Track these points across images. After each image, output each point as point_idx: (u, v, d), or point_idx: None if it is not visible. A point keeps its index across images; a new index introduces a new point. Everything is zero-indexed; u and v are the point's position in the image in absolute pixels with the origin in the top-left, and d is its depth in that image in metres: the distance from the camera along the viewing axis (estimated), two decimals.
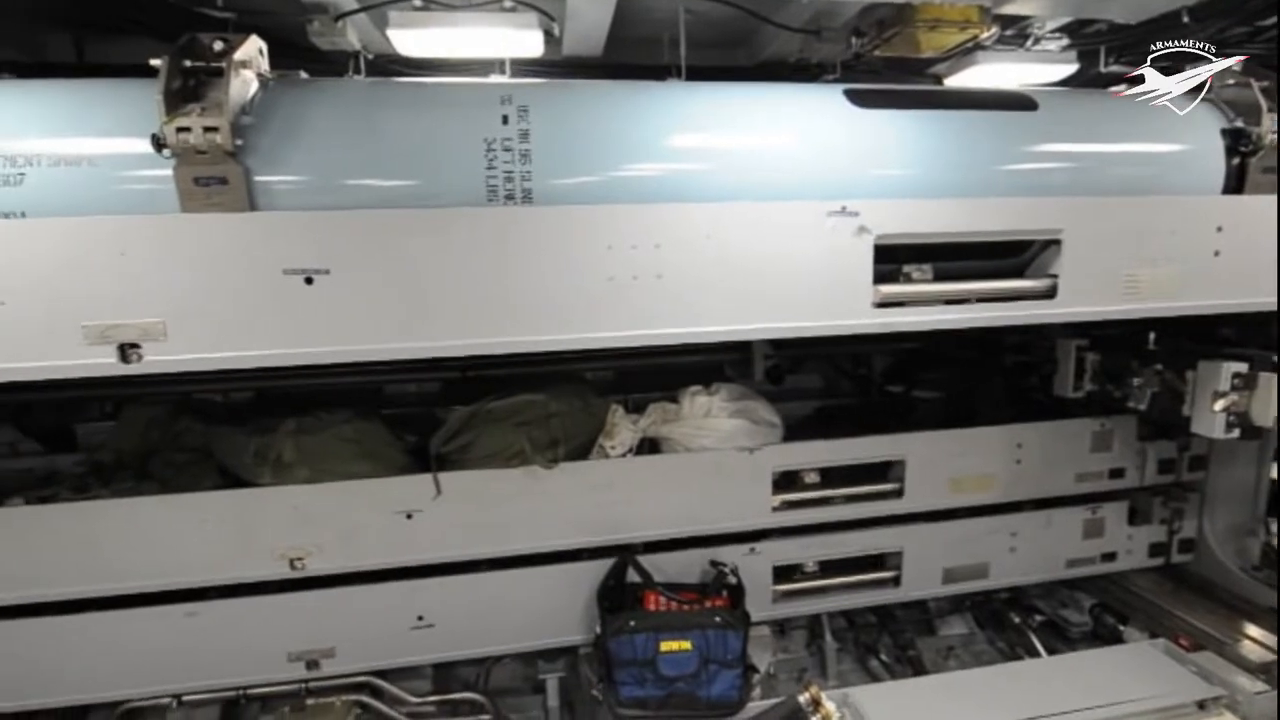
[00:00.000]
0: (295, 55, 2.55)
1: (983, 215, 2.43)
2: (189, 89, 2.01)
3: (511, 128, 2.16)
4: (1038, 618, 3.59)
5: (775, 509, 3.02)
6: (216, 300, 1.99)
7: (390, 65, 2.88)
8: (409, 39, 2.47)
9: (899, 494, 3.12)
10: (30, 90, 2.23)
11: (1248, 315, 2.72)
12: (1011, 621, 3.58)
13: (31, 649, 2.61)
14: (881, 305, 2.36)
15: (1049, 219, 2.49)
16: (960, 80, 3.07)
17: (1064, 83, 3.11)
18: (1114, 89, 2.71)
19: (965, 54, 3.00)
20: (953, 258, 2.54)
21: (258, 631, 2.71)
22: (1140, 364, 3.03)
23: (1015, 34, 2.97)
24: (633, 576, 2.91)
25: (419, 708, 2.96)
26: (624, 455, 2.93)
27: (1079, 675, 2.91)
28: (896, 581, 3.25)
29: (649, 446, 3.04)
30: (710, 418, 3.00)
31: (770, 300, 2.27)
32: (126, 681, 2.72)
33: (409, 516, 2.69)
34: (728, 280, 2.24)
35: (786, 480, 3.05)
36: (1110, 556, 3.51)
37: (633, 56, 3.12)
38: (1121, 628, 3.43)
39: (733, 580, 2.90)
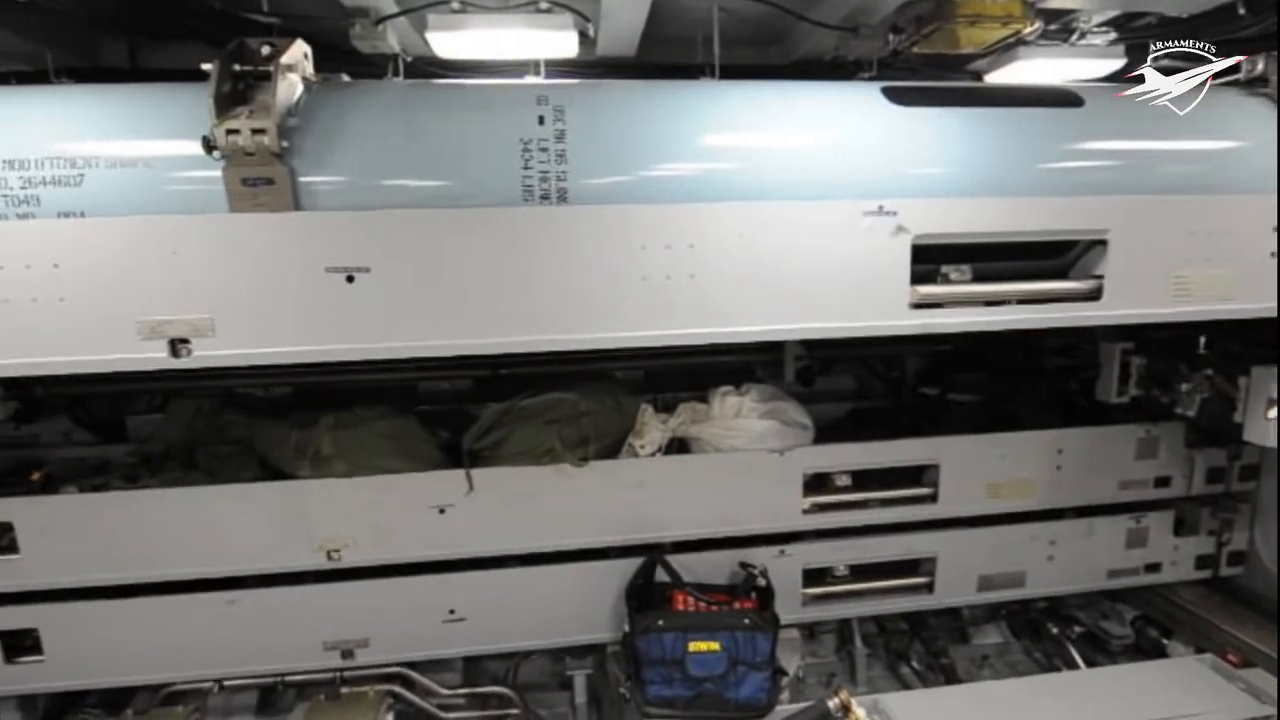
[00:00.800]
0: (337, 59, 2.61)
1: (1025, 214, 2.38)
2: (238, 92, 2.07)
3: (548, 128, 2.18)
4: (1077, 629, 3.49)
5: (806, 511, 2.99)
6: (262, 297, 2.05)
7: (428, 67, 2.93)
8: (447, 41, 2.51)
9: (933, 498, 3.07)
10: (88, 95, 2.32)
11: None
12: (1049, 632, 3.49)
13: (81, 631, 2.72)
14: (919, 306, 2.33)
15: (1095, 218, 2.42)
16: (1001, 77, 2.99)
17: (1111, 78, 3.01)
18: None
19: (1006, 50, 2.93)
20: (992, 259, 2.49)
21: (296, 620, 2.79)
22: (1189, 369, 2.92)
23: (1060, 28, 2.89)
24: (661, 576, 2.91)
25: (449, 700, 3.01)
26: (653, 454, 2.93)
27: (1120, 689, 2.82)
28: (930, 588, 3.19)
29: (678, 446, 3.04)
30: (740, 418, 2.98)
31: (805, 301, 2.25)
32: (170, 665, 2.82)
33: (442, 511, 2.74)
34: (761, 280, 2.23)
35: (817, 482, 3.02)
36: (1154, 568, 3.39)
37: (666, 56, 3.12)
38: (1165, 641, 3.32)
39: (762, 582, 2.88)
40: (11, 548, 2.60)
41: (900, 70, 3.09)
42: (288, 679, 2.91)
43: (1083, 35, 2.88)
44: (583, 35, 2.61)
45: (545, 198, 2.18)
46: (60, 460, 3.18)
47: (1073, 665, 3.32)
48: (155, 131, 2.15)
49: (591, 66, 3.00)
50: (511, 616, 2.91)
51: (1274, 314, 2.52)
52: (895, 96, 2.39)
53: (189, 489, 2.74)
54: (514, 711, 3.00)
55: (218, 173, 2.06)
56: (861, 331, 2.30)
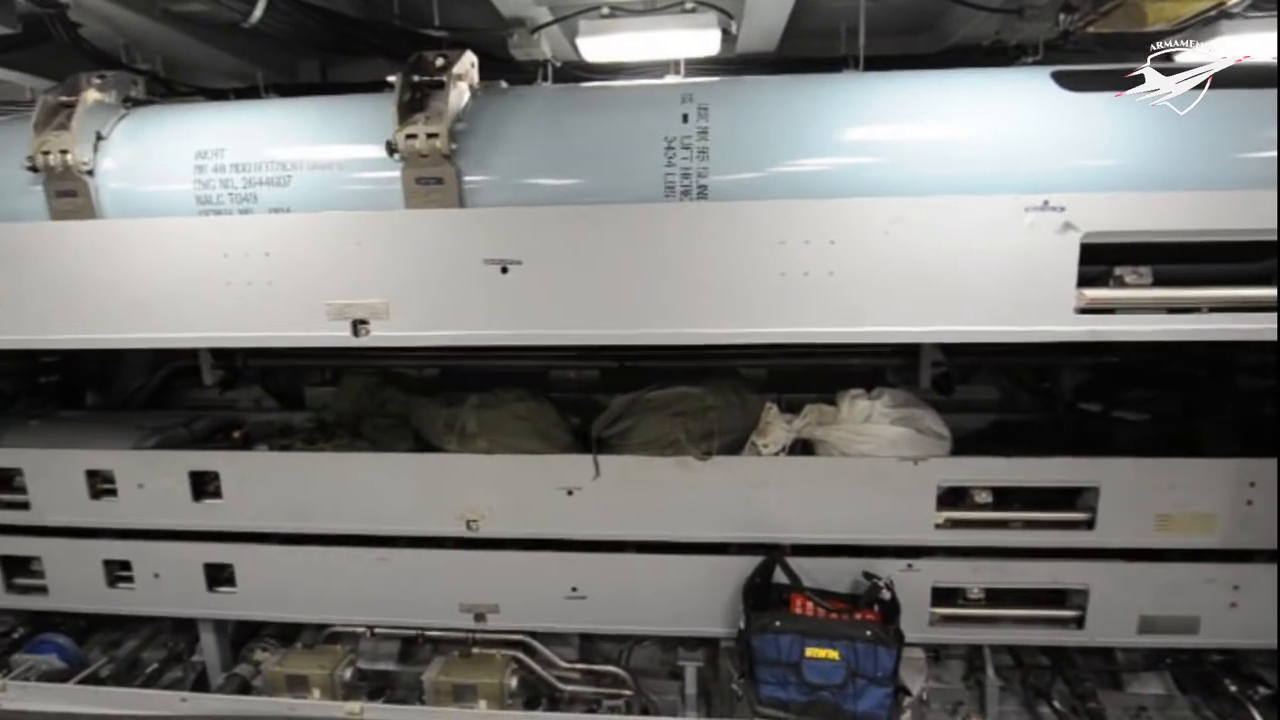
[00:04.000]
0: (493, 66, 2.82)
1: (1223, 210, 2.10)
2: (415, 100, 2.31)
3: (691, 126, 2.23)
4: (1262, 689, 3.01)
5: (939, 526, 2.82)
6: (429, 285, 2.27)
7: (574, 71, 3.09)
8: (596, 45, 2.63)
9: (1089, 525, 2.77)
10: (293, 106, 2.68)
11: None
12: (1226, 689, 3.04)
13: (264, 571, 3.14)
14: (1086, 311, 2.13)
15: None
16: (1196, 56, 2.65)
17: None
18: None
19: (1204, 24, 2.59)
20: (1177, 261, 2.22)
21: (437, 581, 3.05)
22: None
23: None
24: (780, 578, 2.87)
25: (566, 673, 3.16)
26: (776, 454, 2.90)
27: None
28: (1079, 623, 2.89)
29: (801, 448, 2.98)
30: (870, 423, 2.87)
31: (955, 302, 2.13)
32: (332, 608, 3.18)
33: (570, 493, 2.88)
34: (907, 279, 2.15)
35: (953, 497, 2.84)
36: None
37: (806, 49, 3.08)
38: None
39: (886, 595, 2.75)
40: (217, 493, 3.06)
41: (1068, 53, 2.83)
42: (427, 633, 3.19)
43: None
44: (725, 33, 2.64)
45: (686, 194, 2.23)
46: (253, 423, 3.69)
47: None
48: (344, 137, 2.45)
49: (731, 64, 3.03)
50: (629, 601, 3.00)
51: None
52: (1069, 81, 2.19)
53: (355, 454, 3.08)
54: (626, 693, 3.09)
55: (394, 173, 2.31)
56: (1019, 336, 2.14)
